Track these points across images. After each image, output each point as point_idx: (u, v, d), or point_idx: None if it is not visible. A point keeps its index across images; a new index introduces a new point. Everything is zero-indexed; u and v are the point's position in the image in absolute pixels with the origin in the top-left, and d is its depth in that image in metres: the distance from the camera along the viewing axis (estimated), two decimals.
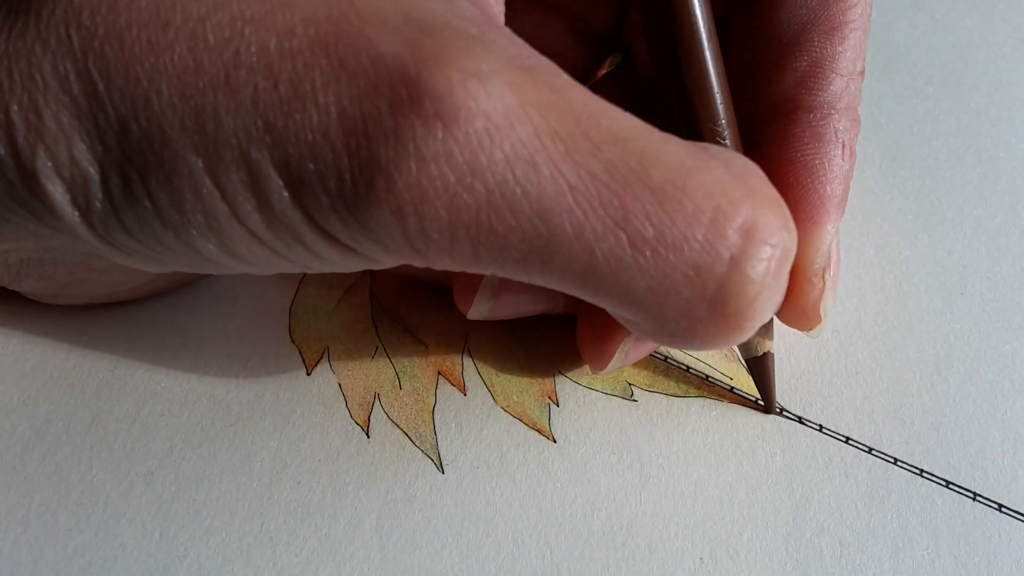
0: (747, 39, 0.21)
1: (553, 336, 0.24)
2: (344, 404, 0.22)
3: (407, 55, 0.15)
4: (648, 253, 0.15)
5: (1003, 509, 0.21)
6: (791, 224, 0.17)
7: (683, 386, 0.23)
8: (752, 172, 0.17)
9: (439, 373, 0.23)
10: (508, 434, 0.22)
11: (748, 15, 0.21)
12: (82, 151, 0.16)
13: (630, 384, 0.23)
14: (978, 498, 0.22)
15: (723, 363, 0.24)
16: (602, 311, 0.20)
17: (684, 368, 0.24)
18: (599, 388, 0.23)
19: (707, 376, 0.23)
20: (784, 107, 0.21)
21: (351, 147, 0.15)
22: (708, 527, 0.21)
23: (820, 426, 0.23)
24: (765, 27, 0.21)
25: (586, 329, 0.22)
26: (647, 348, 0.22)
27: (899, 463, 0.22)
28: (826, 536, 0.21)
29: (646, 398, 0.23)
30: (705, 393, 0.23)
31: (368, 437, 0.22)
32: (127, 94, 0.15)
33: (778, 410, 0.23)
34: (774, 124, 0.21)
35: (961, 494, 0.22)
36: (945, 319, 0.25)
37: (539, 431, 0.22)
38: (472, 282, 0.21)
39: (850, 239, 0.26)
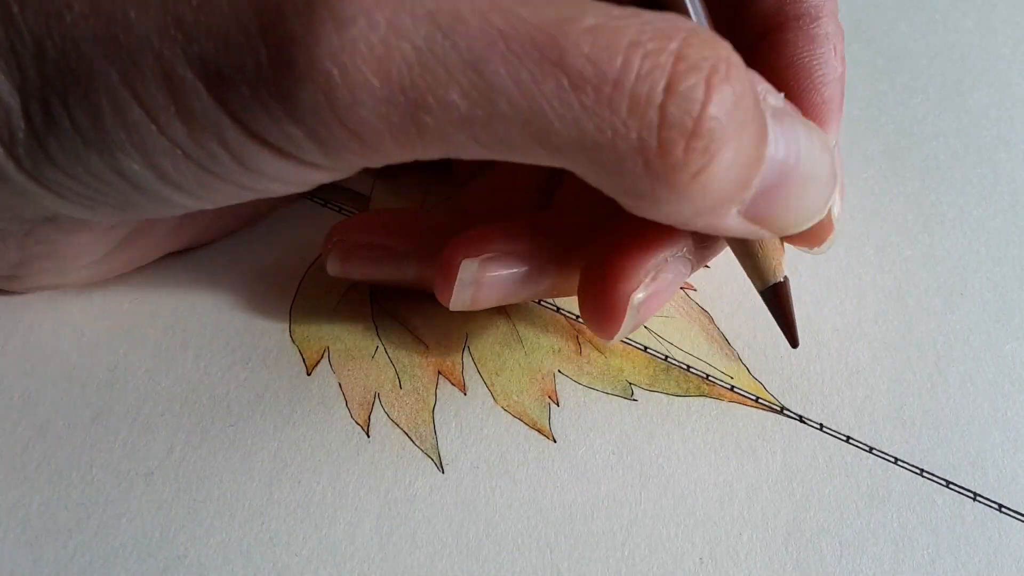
0: None
1: (553, 336, 0.24)
2: (344, 404, 0.22)
3: None
4: (590, 90, 0.15)
5: (1003, 509, 0.21)
6: (735, 58, 0.16)
7: (683, 385, 0.23)
8: (685, 19, 0.16)
9: (439, 373, 0.23)
10: (508, 434, 0.22)
11: None
12: (1, 82, 0.15)
13: (630, 384, 0.23)
14: (978, 498, 0.22)
15: (724, 363, 0.24)
16: (601, 276, 0.20)
17: (685, 367, 0.24)
18: (599, 388, 0.23)
19: (707, 376, 0.23)
20: (773, 19, 0.21)
21: (264, 26, 0.14)
22: (708, 527, 0.21)
23: (821, 425, 0.23)
24: None
25: (588, 298, 0.21)
26: (659, 300, 0.21)
27: (899, 463, 0.22)
28: (826, 536, 0.21)
29: (646, 398, 0.23)
30: (705, 393, 0.23)
31: (368, 437, 0.22)
32: (41, 13, 0.15)
33: (779, 409, 0.23)
34: (766, 38, 0.21)
35: (961, 494, 0.22)
36: (945, 319, 0.25)
37: (539, 431, 0.22)
38: (450, 272, 0.21)
39: (850, 239, 0.26)
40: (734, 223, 0.17)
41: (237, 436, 0.22)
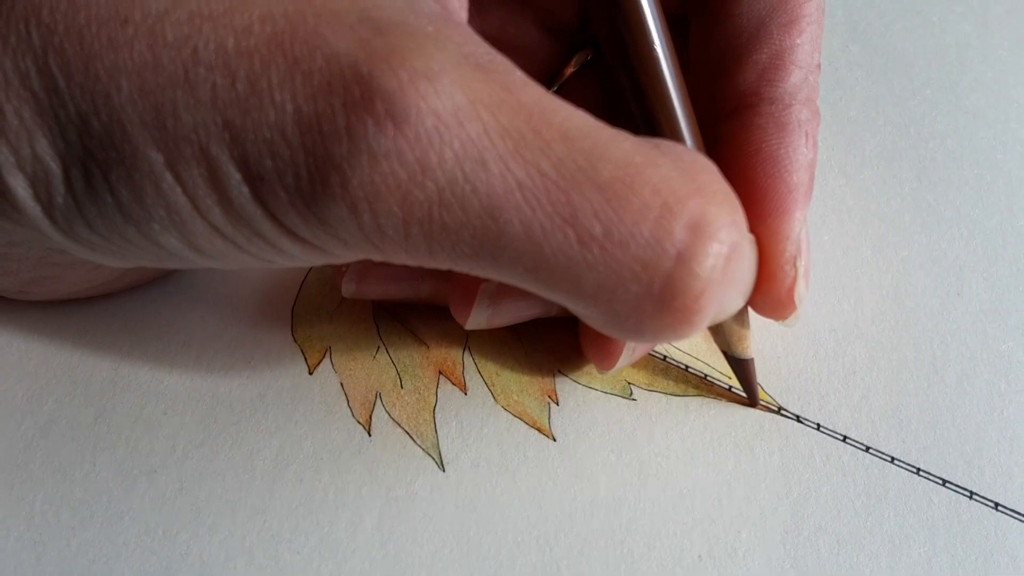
0: (707, 36, 0.22)
1: (553, 336, 0.24)
2: (346, 403, 0.22)
3: (360, 54, 0.15)
4: (596, 249, 0.15)
5: (999, 507, 0.22)
6: (741, 220, 0.17)
7: (682, 385, 0.23)
8: (703, 168, 0.17)
9: (440, 372, 0.23)
10: (508, 433, 0.22)
11: (707, 12, 0.22)
12: (44, 147, 0.16)
13: (629, 383, 0.23)
14: (975, 496, 0.22)
15: (722, 363, 0.24)
16: None
17: (683, 367, 0.24)
18: (599, 387, 0.23)
19: (706, 375, 0.24)
20: (746, 100, 0.21)
21: (307, 145, 0.15)
22: (706, 525, 0.21)
23: (818, 425, 0.23)
24: (724, 23, 0.21)
25: (590, 331, 0.22)
26: (654, 344, 0.22)
27: (896, 462, 0.22)
28: (823, 534, 0.21)
29: (645, 397, 0.23)
30: (704, 392, 0.23)
31: (370, 436, 0.22)
32: (87, 90, 0.15)
33: (776, 408, 0.23)
34: (737, 117, 0.21)
35: (958, 492, 0.22)
36: (942, 319, 0.25)
37: (539, 430, 0.22)
38: (468, 293, 0.21)
39: (847, 239, 0.27)
40: None
41: (239, 435, 0.22)
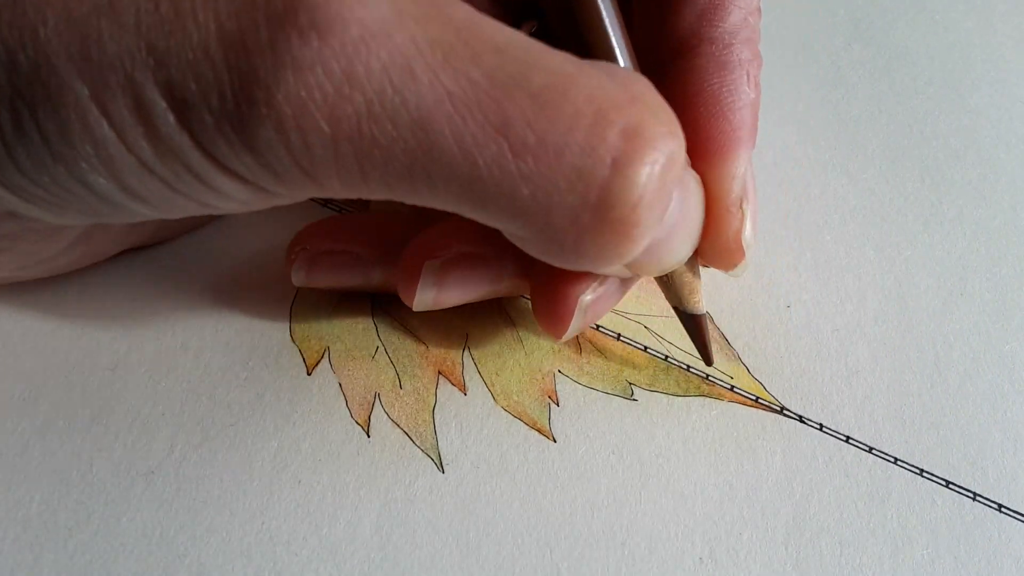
0: None
1: None
2: (344, 404, 0.22)
3: None
4: (530, 159, 0.15)
5: (1003, 509, 0.22)
6: (677, 130, 0.16)
7: (683, 385, 0.23)
8: (637, 80, 0.16)
9: (439, 373, 0.23)
10: (508, 434, 0.22)
11: None
12: None
13: (630, 384, 0.23)
14: (978, 498, 0.22)
15: (723, 363, 0.24)
16: (552, 278, 0.20)
17: (684, 367, 0.24)
18: (599, 388, 0.23)
19: (707, 375, 0.23)
20: (686, 42, 0.21)
21: (230, 62, 0.15)
22: (708, 527, 0.21)
23: (820, 425, 0.23)
24: None
25: (539, 299, 0.21)
26: (606, 303, 0.22)
27: (899, 463, 0.22)
28: (826, 536, 0.21)
29: (646, 398, 0.23)
30: (705, 392, 0.23)
31: (368, 437, 0.22)
32: (15, 25, 0.15)
33: (779, 409, 0.23)
34: (678, 61, 0.21)
35: (961, 494, 0.22)
36: (945, 319, 0.25)
37: (539, 431, 0.22)
38: (414, 273, 0.21)
39: (850, 239, 0.26)
40: (613, 270, 0.18)
41: (237, 436, 0.22)
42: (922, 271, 0.26)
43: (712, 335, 0.24)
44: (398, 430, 0.22)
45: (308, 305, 0.24)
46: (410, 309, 0.24)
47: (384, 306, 0.24)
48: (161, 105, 0.15)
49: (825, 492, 0.22)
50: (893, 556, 0.21)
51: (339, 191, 0.16)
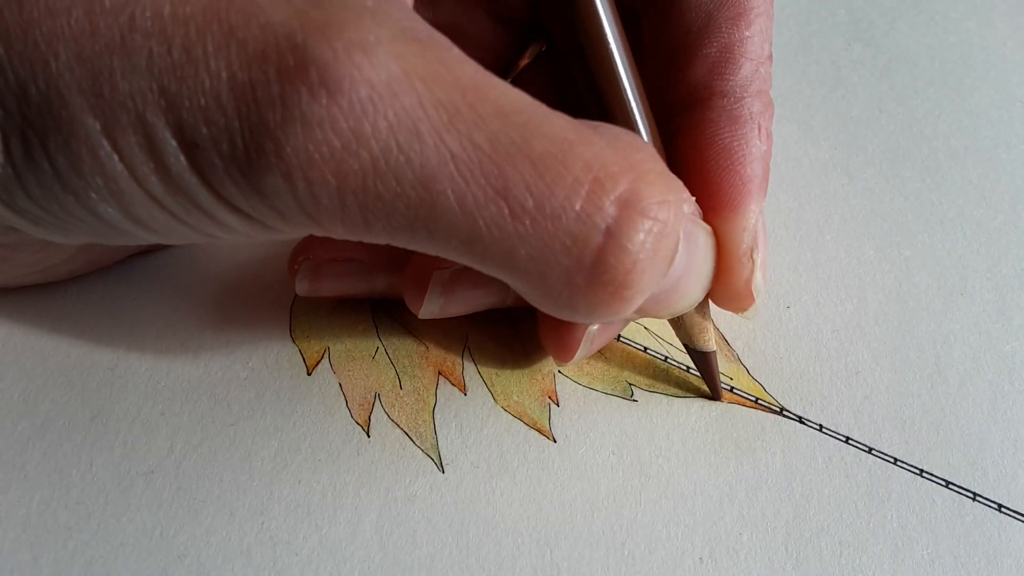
0: (658, 31, 0.22)
1: None
2: (344, 404, 0.22)
3: (295, 24, 0.15)
4: (528, 222, 0.16)
5: (1003, 509, 0.22)
6: (676, 197, 0.17)
7: (683, 386, 0.23)
8: (638, 147, 0.17)
9: (439, 373, 0.23)
10: (508, 434, 0.22)
11: (657, 8, 0.22)
12: None
13: (630, 384, 0.23)
14: (978, 498, 0.22)
15: (724, 363, 0.24)
16: None
17: (684, 368, 0.24)
18: (599, 388, 0.23)
19: None
20: (698, 95, 0.21)
21: (241, 112, 0.15)
22: (708, 527, 0.21)
23: (820, 426, 0.23)
24: (674, 18, 0.21)
25: (547, 321, 0.22)
26: (611, 333, 0.22)
27: (899, 463, 0.22)
28: (826, 536, 0.21)
29: (646, 398, 0.23)
30: (705, 393, 0.23)
31: (368, 437, 0.22)
32: (26, 58, 0.15)
33: (779, 409, 0.23)
34: (689, 112, 0.21)
35: (961, 494, 0.22)
36: (945, 319, 0.25)
37: (539, 431, 0.22)
38: (422, 282, 0.21)
39: (850, 239, 0.26)
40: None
41: (237, 436, 0.22)
42: (922, 271, 0.26)
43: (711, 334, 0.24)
44: (398, 430, 0.22)
45: (308, 305, 0.24)
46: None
47: (384, 306, 0.24)
48: (172, 144, 0.15)
49: (825, 492, 0.22)
50: (893, 556, 0.21)
51: (342, 235, 0.17)
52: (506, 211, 0.16)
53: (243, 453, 0.21)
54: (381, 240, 0.17)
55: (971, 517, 0.21)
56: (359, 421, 0.22)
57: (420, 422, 0.22)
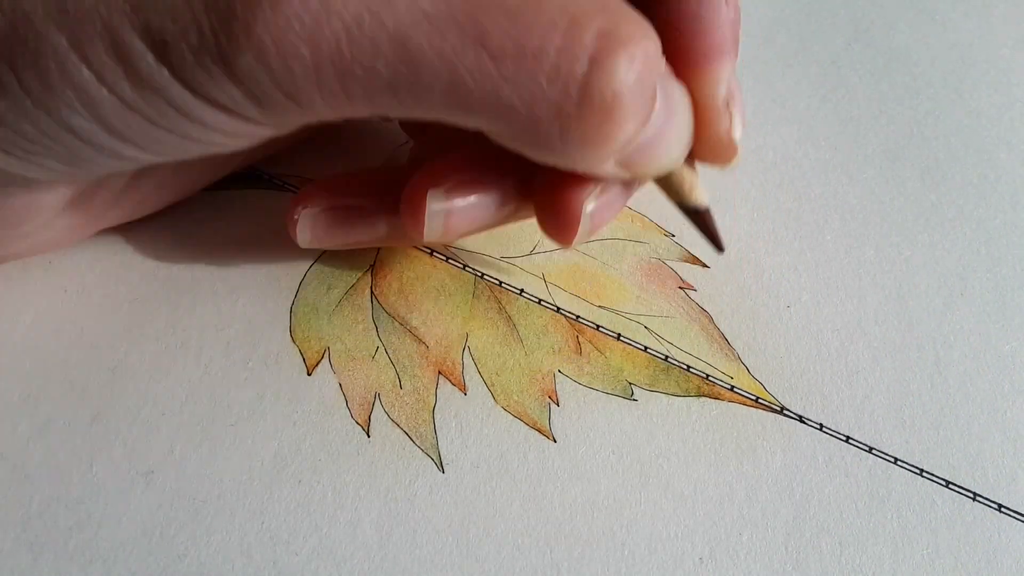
0: None
1: (553, 335, 0.24)
2: (345, 404, 0.22)
3: None
4: (509, 63, 0.16)
5: (1003, 509, 0.22)
6: (652, 34, 0.17)
7: (683, 386, 0.23)
8: None
9: (439, 373, 0.23)
10: (508, 434, 0.22)
11: None
12: None
13: (630, 384, 0.23)
14: (978, 498, 0.22)
15: (724, 363, 0.24)
16: (555, 188, 0.20)
17: (685, 367, 0.24)
18: (599, 388, 0.23)
19: (707, 376, 0.23)
20: None
21: (208, 4, 0.15)
22: (708, 527, 0.21)
23: (820, 425, 0.23)
24: None
25: (545, 211, 0.21)
26: (611, 209, 0.22)
27: (899, 463, 0.22)
28: (826, 536, 0.21)
29: (646, 398, 0.23)
30: (705, 393, 0.23)
31: (368, 437, 0.22)
32: None
33: (779, 409, 0.23)
34: None
35: (961, 494, 0.22)
36: (945, 319, 0.25)
37: (539, 431, 0.22)
38: (418, 203, 0.21)
39: (850, 239, 0.26)
40: (609, 169, 0.19)
41: (237, 436, 0.22)
42: (922, 271, 0.26)
43: (712, 335, 0.24)
44: (398, 430, 0.22)
45: (308, 305, 0.24)
46: (410, 309, 0.24)
47: (384, 306, 0.24)
48: (140, 45, 0.16)
49: (825, 492, 0.22)
50: (893, 556, 0.21)
51: (323, 112, 0.17)
52: (485, 55, 0.16)
53: (243, 453, 0.21)
54: (363, 110, 0.17)
55: (971, 517, 0.21)
56: (359, 421, 0.22)
57: (420, 422, 0.22)
